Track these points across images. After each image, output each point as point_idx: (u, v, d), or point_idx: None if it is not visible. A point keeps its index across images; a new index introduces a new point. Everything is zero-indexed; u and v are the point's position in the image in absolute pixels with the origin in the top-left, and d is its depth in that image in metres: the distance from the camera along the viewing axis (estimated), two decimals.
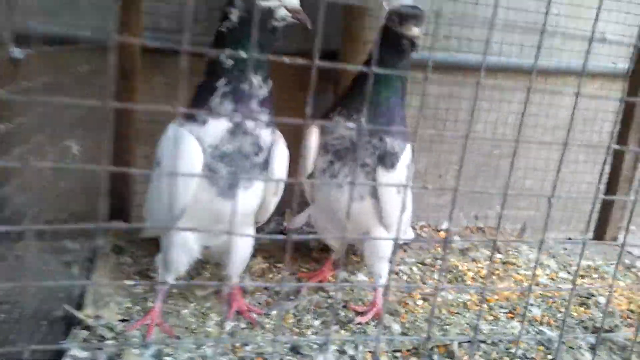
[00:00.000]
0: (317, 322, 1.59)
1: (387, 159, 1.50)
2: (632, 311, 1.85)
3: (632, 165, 2.46)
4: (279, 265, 1.89)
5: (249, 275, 1.76)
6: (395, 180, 1.51)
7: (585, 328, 1.68)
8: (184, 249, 1.40)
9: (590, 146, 2.65)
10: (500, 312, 1.74)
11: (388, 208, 1.56)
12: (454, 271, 2.03)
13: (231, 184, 1.29)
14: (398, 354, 1.50)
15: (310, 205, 1.79)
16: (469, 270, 2.05)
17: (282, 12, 1.27)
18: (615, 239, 2.48)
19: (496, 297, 1.83)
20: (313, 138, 1.57)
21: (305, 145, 1.57)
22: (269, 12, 1.27)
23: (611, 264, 2.24)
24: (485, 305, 1.78)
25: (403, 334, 1.58)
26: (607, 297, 1.64)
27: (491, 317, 1.71)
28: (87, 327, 1.36)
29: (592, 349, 1.59)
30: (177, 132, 1.28)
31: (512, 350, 1.54)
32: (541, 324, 1.69)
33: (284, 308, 1.64)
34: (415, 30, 1.41)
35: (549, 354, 1.53)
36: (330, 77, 2.33)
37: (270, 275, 1.82)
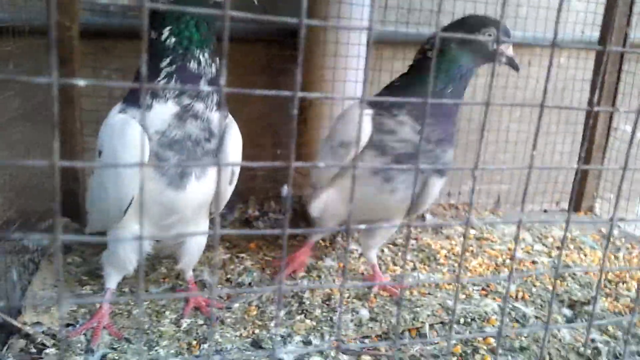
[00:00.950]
0: (281, 313, 1.50)
1: (444, 172, 1.51)
2: (609, 281, 1.80)
3: (605, 134, 2.41)
4: (242, 255, 1.79)
5: (208, 268, 1.66)
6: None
7: (562, 302, 1.62)
8: (133, 244, 1.28)
9: (568, 108, 2.56)
10: (474, 290, 1.67)
11: (429, 202, 1.58)
12: (426, 250, 1.96)
13: (182, 173, 1.19)
14: (367, 340, 1.43)
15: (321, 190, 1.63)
16: (442, 248, 1.98)
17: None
18: (591, 208, 2.43)
19: (469, 274, 1.77)
20: (367, 123, 1.40)
21: (353, 127, 1.44)
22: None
23: (588, 233, 2.19)
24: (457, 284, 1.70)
25: (372, 319, 1.50)
26: (597, 282, 1.58)
27: (464, 296, 1.64)
28: (26, 335, 1.25)
29: (569, 322, 1.54)
30: (119, 119, 1.18)
31: (486, 329, 1.47)
32: (516, 299, 1.63)
33: (247, 300, 1.55)
34: (511, 50, 1.42)
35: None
36: (295, 57, 2.23)
37: (232, 267, 1.72)
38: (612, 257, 2.01)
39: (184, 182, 1.20)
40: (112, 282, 1.37)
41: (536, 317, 1.53)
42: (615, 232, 2.21)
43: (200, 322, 1.43)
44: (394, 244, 1.99)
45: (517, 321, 1.52)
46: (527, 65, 2.56)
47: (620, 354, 1.38)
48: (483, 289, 1.68)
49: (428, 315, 1.51)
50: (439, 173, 1.48)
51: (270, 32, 2.19)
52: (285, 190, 2.15)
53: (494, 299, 1.62)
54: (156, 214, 1.25)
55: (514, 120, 2.60)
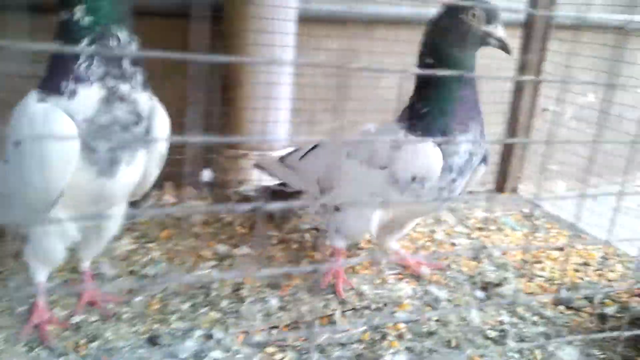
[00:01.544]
0: (185, 306, 1.42)
1: (487, 158, 1.51)
2: (525, 261, 1.81)
3: (529, 114, 2.42)
4: (149, 245, 1.69)
5: (110, 260, 1.55)
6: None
7: (474, 284, 1.61)
8: (61, 236, 1.22)
9: (494, 78, 2.55)
10: (390, 274, 1.64)
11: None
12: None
13: (112, 160, 1.13)
14: (275, 331, 1.37)
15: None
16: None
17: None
18: (515, 189, 2.45)
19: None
20: (439, 156, 1.37)
21: (424, 162, 1.38)
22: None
23: (509, 214, 2.20)
24: (374, 268, 1.67)
25: (281, 308, 1.44)
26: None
27: (379, 281, 1.60)
28: None
29: (482, 303, 1.53)
30: (41, 109, 1.08)
31: (397, 315, 1.44)
32: (429, 282, 1.61)
33: (150, 294, 1.46)
34: (502, 31, 1.35)
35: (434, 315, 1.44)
36: (218, 33, 2.12)
37: (137, 257, 1.62)
38: (531, 236, 2.03)
39: (114, 169, 1.14)
40: (41, 275, 1.29)
41: (448, 301, 1.52)
42: (536, 212, 2.24)
43: (93, 318, 1.33)
44: (317, 229, 1.94)
45: (429, 305, 1.50)
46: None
47: (527, 337, 1.38)
48: (400, 273, 1.66)
49: (340, 302, 1.47)
50: (484, 161, 1.50)
51: (190, 6, 2.06)
52: (207, 174, 2.06)
53: (408, 282, 1.60)
54: (84, 202, 1.17)
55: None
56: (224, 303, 1.44)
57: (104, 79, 1.08)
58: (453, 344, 1.33)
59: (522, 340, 1.36)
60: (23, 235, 1.27)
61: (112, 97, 1.08)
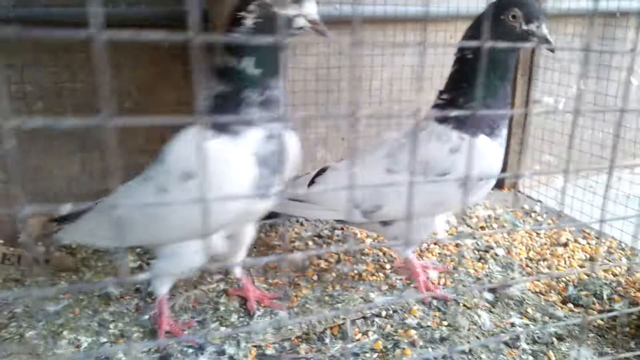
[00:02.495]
0: (195, 322, 1.41)
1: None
2: (531, 259, 1.81)
3: (523, 111, 2.43)
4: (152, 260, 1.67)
5: (114, 279, 1.53)
6: None
7: (482, 285, 1.61)
8: (207, 251, 1.31)
9: None
10: (397, 280, 1.63)
11: None
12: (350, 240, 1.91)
13: (268, 184, 1.24)
14: (287, 343, 1.36)
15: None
16: (367, 237, 1.94)
17: (300, 22, 1.18)
18: (514, 185, 2.45)
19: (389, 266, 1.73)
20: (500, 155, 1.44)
21: (490, 162, 1.41)
22: (287, 21, 1.19)
23: (511, 211, 2.21)
24: (381, 274, 1.67)
25: (290, 319, 1.43)
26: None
27: (386, 287, 1.59)
28: None
29: (491, 305, 1.52)
30: (220, 146, 1.18)
31: (408, 321, 1.44)
32: (437, 286, 1.60)
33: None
34: (543, 29, 1.35)
35: (444, 320, 1.44)
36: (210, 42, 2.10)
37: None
38: (535, 234, 2.03)
39: (270, 192, 1.26)
40: (165, 287, 1.37)
41: (457, 304, 1.51)
42: (537, 208, 2.24)
43: (103, 340, 1.32)
44: (319, 236, 1.93)
45: (439, 309, 1.49)
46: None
47: (539, 338, 1.38)
48: (406, 278, 1.65)
49: (350, 311, 1.46)
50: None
51: (181, 16, 2.04)
52: None
53: (416, 287, 1.59)
54: (240, 221, 1.32)
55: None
56: (234, 318, 1.43)
57: (265, 122, 1.21)
58: (466, 349, 1.32)
59: (534, 342, 1.36)
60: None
61: (270, 135, 1.21)
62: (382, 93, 2.43)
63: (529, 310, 1.49)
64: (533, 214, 2.20)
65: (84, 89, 1.93)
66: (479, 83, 1.40)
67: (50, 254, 1.67)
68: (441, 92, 1.50)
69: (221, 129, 1.18)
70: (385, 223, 1.54)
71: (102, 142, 2.09)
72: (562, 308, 1.52)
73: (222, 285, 1.57)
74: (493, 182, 1.43)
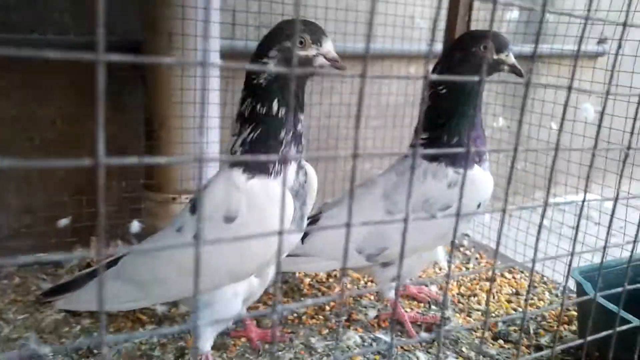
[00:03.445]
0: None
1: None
2: (462, 295, 1.88)
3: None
4: (78, 312, 1.57)
5: (36, 334, 1.42)
6: None
7: (419, 325, 1.65)
8: (245, 294, 1.34)
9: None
10: (336, 322, 1.63)
11: None
12: (290, 281, 1.89)
13: (302, 216, 1.32)
14: None
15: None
16: (305, 276, 1.92)
17: (320, 61, 1.22)
18: None
19: (331, 304, 1.73)
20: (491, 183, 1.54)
21: (484, 192, 1.50)
22: (307, 61, 1.23)
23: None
24: (321, 317, 1.66)
25: None
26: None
27: (326, 330, 1.59)
28: None
29: (429, 345, 1.55)
30: (262, 185, 1.22)
31: None
32: (377, 328, 1.62)
33: None
34: (512, 58, 1.44)
35: None
36: (138, 76, 2.05)
37: (67, 329, 1.49)
38: (463, 268, 2.11)
39: (302, 223, 1.33)
40: (210, 342, 1.36)
41: (397, 347, 1.53)
42: (465, 242, 2.34)
43: None
44: None
45: (379, 353, 1.50)
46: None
47: None
48: (346, 320, 1.65)
49: (290, 359, 1.44)
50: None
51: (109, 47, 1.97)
52: (135, 225, 1.96)
53: (356, 329, 1.60)
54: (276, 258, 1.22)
55: (379, 128, 2.68)
56: None
57: (296, 158, 1.28)
58: None
59: None
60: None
61: (299, 169, 1.29)
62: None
63: (464, 349, 1.54)
64: (462, 248, 2.29)
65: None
66: (458, 116, 1.47)
67: None
68: (417, 131, 1.57)
69: (257, 169, 1.23)
70: (385, 264, 1.58)
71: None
72: (493, 345, 1.58)
73: (155, 337, 1.50)
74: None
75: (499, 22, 2.41)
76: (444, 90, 1.48)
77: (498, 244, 0.79)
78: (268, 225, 1.18)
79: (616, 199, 0.90)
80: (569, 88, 0.74)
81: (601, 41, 2.87)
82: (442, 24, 2.47)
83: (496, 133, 2.65)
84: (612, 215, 0.93)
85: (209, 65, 1.67)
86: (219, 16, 2.05)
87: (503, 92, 2.57)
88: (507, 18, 2.43)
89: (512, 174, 0.72)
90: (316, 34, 1.21)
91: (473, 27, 2.34)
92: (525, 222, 2.21)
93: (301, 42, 1.20)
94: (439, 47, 2.52)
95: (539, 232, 0.82)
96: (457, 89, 1.45)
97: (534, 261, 0.82)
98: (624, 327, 0.95)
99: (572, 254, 0.88)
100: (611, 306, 1.27)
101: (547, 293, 1.92)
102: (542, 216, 0.81)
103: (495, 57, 1.43)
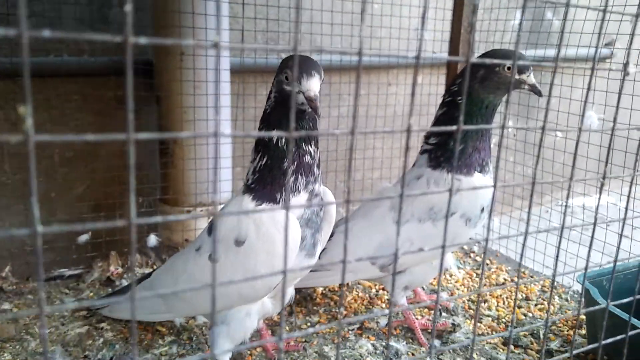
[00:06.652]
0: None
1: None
2: (472, 301, 1.91)
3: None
4: (101, 325, 1.63)
5: (61, 347, 1.48)
6: None
7: (429, 332, 1.68)
8: (258, 313, 1.40)
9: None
10: (349, 330, 1.67)
11: None
12: (303, 290, 1.93)
13: (314, 243, 1.35)
14: None
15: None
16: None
17: (300, 98, 1.22)
18: None
19: (345, 312, 1.77)
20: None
21: (482, 201, 1.54)
22: (294, 96, 1.17)
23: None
24: (334, 326, 1.70)
25: None
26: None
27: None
28: None
29: (440, 352, 1.59)
30: (268, 214, 1.26)
31: None
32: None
33: None
34: (532, 78, 1.48)
35: None
36: (153, 88, 2.12)
37: (90, 342, 1.55)
38: (474, 274, 2.14)
39: (315, 250, 1.36)
40: (227, 356, 1.41)
41: (408, 354, 1.57)
42: (476, 248, 2.37)
43: None
44: None
45: (390, 359, 1.54)
46: (387, 85, 2.69)
47: None
48: (359, 328, 1.69)
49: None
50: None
51: (120, 63, 2.06)
52: (153, 239, 2.02)
53: (368, 337, 1.64)
54: (287, 280, 1.36)
55: (387, 137, 2.72)
56: None
57: (306, 186, 1.29)
58: None
59: None
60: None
61: (311, 197, 1.30)
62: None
63: (474, 355, 1.57)
64: (472, 254, 2.32)
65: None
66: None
67: None
68: (427, 136, 1.62)
69: (265, 197, 1.29)
70: (398, 272, 1.64)
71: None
72: (503, 350, 1.61)
73: (174, 348, 1.55)
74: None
75: (502, 32, 2.45)
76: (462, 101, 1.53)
77: (522, 256, 0.83)
78: (274, 251, 1.25)
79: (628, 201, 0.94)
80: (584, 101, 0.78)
81: (607, 44, 2.90)
82: (446, 35, 2.53)
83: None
84: (624, 220, 0.97)
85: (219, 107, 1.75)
86: (228, 36, 2.12)
87: (509, 99, 2.60)
88: (510, 27, 2.48)
89: (535, 175, 0.76)
90: (301, 70, 1.19)
91: (475, 36, 2.39)
92: (532, 227, 2.24)
93: (286, 78, 1.24)
94: (435, 54, 2.58)
95: (558, 246, 0.86)
96: (475, 103, 1.51)
97: (554, 275, 0.86)
98: (633, 333, 0.98)
99: (586, 268, 0.90)
100: (623, 315, 1.29)
101: (556, 297, 1.94)
102: (562, 226, 0.84)
103: (517, 77, 1.48)
